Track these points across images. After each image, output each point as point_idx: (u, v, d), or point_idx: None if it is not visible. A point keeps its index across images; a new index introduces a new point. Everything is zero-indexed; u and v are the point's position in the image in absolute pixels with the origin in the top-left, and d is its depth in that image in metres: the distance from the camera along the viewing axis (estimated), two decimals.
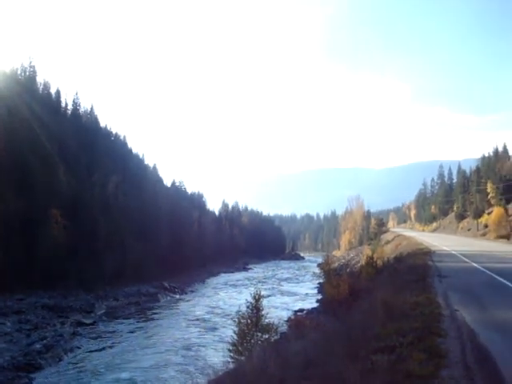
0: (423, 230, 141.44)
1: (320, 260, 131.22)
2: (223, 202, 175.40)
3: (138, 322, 44.13)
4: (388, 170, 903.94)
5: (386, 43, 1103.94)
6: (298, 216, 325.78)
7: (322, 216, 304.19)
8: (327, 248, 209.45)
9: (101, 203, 64.78)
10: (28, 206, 51.67)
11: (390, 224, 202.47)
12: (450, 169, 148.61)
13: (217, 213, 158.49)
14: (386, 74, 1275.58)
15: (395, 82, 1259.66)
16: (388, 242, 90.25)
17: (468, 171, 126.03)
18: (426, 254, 43.00)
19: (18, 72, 64.01)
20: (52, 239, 53.32)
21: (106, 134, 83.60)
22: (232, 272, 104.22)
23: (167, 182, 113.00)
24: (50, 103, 67.41)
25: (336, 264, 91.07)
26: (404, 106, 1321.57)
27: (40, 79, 68.30)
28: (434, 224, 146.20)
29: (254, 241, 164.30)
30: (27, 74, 65.11)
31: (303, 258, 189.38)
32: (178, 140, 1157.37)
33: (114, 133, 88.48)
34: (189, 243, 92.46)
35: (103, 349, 33.64)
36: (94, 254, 59.05)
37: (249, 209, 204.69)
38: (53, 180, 56.56)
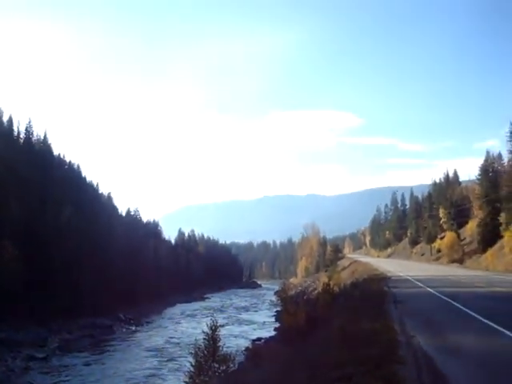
0: (378, 256, 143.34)
1: (277, 288, 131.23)
2: (179, 230, 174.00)
3: (92, 354, 43.09)
4: (342, 196, 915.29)
5: (334, 80, 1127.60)
6: (255, 244, 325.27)
7: (278, 243, 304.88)
8: (284, 275, 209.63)
9: (54, 233, 63.25)
10: None
11: (346, 250, 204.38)
12: (402, 195, 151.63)
13: (173, 241, 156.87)
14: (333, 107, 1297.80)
15: (345, 113, 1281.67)
16: (344, 268, 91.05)
17: (420, 197, 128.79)
18: (382, 279, 43.50)
19: None
20: (3, 270, 51.69)
21: (59, 163, 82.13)
22: (189, 302, 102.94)
23: (122, 211, 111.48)
24: (1, 131, 66.06)
25: (293, 291, 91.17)
26: (356, 137, 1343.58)
27: None
28: (389, 249, 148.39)
29: (211, 270, 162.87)
30: None
31: (260, 285, 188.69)
32: (132, 168, 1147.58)
33: (67, 161, 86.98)
34: (145, 273, 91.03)
35: (56, 383, 32.67)
36: (46, 285, 57.52)
37: (205, 237, 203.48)
38: (3, 209, 55.07)
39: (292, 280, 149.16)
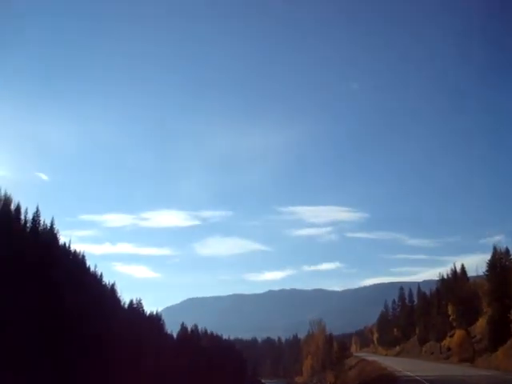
0: (386, 355, 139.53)
1: None
2: (182, 324, 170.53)
3: None
4: (349, 291, 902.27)
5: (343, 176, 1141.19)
6: (259, 340, 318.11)
7: (283, 339, 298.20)
8: (289, 373, 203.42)
9: (57, 324, 62.22)
10: None
11: (353, 348, 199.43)
12: (410, 291, 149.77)
13: (175, 335, 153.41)
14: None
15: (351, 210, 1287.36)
16: (351, 367, 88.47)
17: (428, 293, 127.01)
18: (391, 380, 42.02)
19: None
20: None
21: (64, 252, 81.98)
22: None
23: (125, 302, 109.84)
24: (9, 218, 66.32)
25: None
26: (360, 233, 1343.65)
27: (0, 194, 67.30)
28: (397, 347, 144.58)
29: (215, 366, 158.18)
30: None
31: None
32: (135, 258, 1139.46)
33: (72, 251, 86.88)
34: (147, 369, 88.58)
35: None
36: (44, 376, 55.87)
37: (208, 332, 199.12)
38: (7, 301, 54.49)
39: (297, 379, 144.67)
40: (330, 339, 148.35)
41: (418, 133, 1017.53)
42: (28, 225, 73.10)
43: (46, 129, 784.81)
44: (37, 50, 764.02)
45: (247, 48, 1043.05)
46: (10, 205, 69.51)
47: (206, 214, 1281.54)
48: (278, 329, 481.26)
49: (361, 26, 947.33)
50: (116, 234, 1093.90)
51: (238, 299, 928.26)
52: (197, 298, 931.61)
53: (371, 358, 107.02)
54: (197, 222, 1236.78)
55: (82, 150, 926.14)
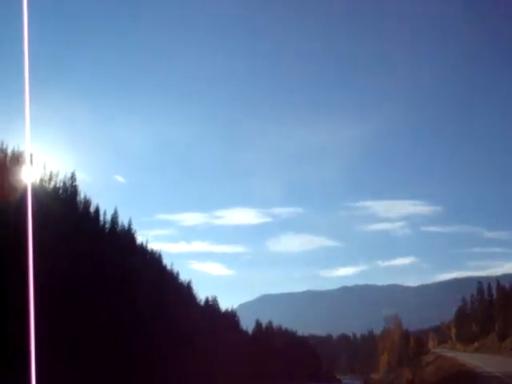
0: (464, 351, 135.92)
1: (358, 383, 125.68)
2: (257, 321, 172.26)
3: None
4: (425, 286, 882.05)
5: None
6: (334, 336, 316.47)
7: (358, 335, 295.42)
8: (365, 370, 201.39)
9: (136, 320, 64.65)
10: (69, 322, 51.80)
11: (430, 344, 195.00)
12: (488, 285, 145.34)
13: (250, 332, 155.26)
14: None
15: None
16: (429, 364, 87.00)
17: (508, 286, 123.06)
18: (470, 376, 41.29)
19: (60, 191, 66.11)
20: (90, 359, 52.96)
21: (142, 251, 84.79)
22: None
23: (201, 300, 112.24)
24: (89, 220, 69.26)
25: None
26: (435, 227, 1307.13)
27: (81, 197, 70.26)
28: (476, 343, 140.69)
29: (289, 362, 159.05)
30: (68, 192, 67.21)
31: (340, 381, 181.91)
32: (209, 255, 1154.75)
33: (149, 250, 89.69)
34: (222, 365, 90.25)
35: None
36: (126, 371, 58.22)
37: (283, 328, 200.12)
38: (90, 300, 57.03)
39: (373, 375, 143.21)
40: (406, 335, 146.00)
41: (497, 124, 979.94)
42: (107, 226, 76.12)
43: (121, 132, 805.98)
44: (112, 54, 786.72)
45: (316, 42, 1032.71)
46: (89, 207, 72.62)
47: (278, 210, 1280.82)
48: (353, 325, 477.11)
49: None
50: (191, 233, 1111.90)
51: (312, 295, 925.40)
52: (271, 295, 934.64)
53: (449, 354, 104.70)
54: (268, 219, 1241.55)
55: (156, 152, 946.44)
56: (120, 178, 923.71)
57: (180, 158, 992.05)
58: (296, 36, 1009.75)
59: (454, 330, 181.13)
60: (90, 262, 59.24)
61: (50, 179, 64.71)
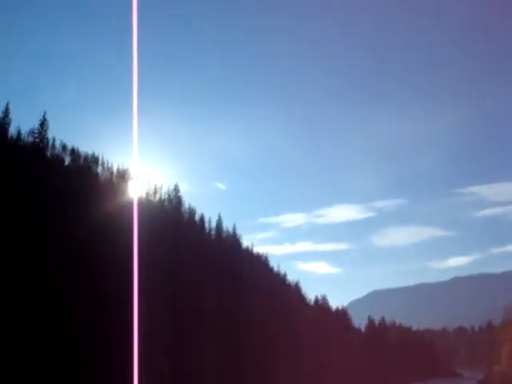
0: None
1: (480, 376, 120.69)
2: (369, 318, 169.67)
3: None
4: None
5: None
6: (451, 329, 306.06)
7: (476, 327, 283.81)
8: (486, 362, 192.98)
9: (247, 324, 65.73)
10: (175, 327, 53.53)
11: None
12: None
13: (363, 329, 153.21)
14: None
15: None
16: None
17: None
18: None
19: (165, 203, 68.38)
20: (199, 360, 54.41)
21: (247, 254, 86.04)
22: None
23: (311, 299, 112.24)
24: (195, 229, 71.19)
25: (499, 380, 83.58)
26: None
27: (185, 207, 72.38)
28: None
29: (405, 358, 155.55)
30: (173, 204, 69.36)
31: (460, 374, 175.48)
32: (314, 255, 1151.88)
33: (255, 252, 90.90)
34: (336, 365, 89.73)
35: None
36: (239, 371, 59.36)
37: (396, 324, 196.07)
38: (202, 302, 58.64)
39: (496, 368, 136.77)
40: None
41: None
42: (212, 233, 77.88)
43: (219, 140, 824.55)
44: (206, 65, 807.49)
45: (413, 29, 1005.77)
46: (194, 216, 74.68)
47: (380, 204, 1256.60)
48: (470, 316, 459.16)
49: None
50: (294, 234, 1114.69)
51: (424, 288, 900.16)
52: (381, 290, 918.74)
53: None
54: (371, 214, 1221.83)
55: (253, 157, 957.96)
56: (221, 185, 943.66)
57: (277, 160, 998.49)
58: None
59: None
60: (198, 268, 60.82)
61: (155, 192, 67.21)
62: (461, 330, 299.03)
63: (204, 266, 63.17)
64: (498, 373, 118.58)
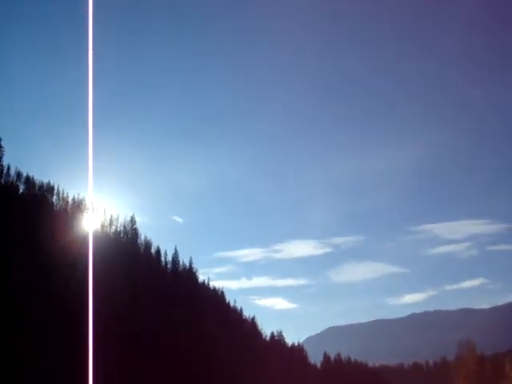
0: None
1: None
2: (324, 354, 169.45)
3: None
4: (497, 308, 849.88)
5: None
6: (406, 365, 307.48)
7: (431, 363, 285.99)
8: None
9: (202, 359, 64.85)
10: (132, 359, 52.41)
11: (508, 368, 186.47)
12: None
13: (318, 365, 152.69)
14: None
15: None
16: None
17: None
18: None
19: (121, 235, 67.69)
20: None
21: (204, 289, 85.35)
22: None
23: (266, 334, 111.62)
24: (151, 261, 70.51)
25: None
26: (500, 245, 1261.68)
27: (141, 239, 71.73)
28: None
29: None
30: (129, 235, 68.72)
31: None
32: (271, 290, 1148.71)
33: (211, 287, 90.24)
34: None
35: None
36: None
37: (352, 360, 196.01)
38: (154, 339, 57.63)
39: None
40: (481, 360, 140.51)
41: None
42: (169, 266, 77.22)
43: (177, 174, 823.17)
44: (168, 98, 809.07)
45: (368, 59, 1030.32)
46: (150, 248, 74.01)
47: (338, 240, 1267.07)
48: (425, 352, 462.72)
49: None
50: (251, 268, 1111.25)
51: (381, 324, 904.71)
52: (338, 327, 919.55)
53: None
54: (329, 250, 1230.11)
55: (210, 191, 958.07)
56: (178, 218, 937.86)
57: (235, 194, 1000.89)
58: (350, 60, 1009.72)
59: None
60: (153, 301, 60.01)
61: (111, 224, 66.45)
62: (416, 365, 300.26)
63: (160, 300, 62.36)
64: None
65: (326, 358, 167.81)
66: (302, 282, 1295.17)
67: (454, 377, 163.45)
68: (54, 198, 58.70)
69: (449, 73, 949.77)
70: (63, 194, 59.72)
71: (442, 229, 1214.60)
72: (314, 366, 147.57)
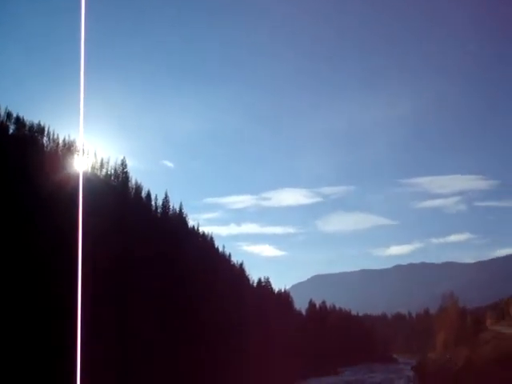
0: None
1: (414, 362, 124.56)
2: (310, 301, 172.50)
3: None
4: (482, 263, 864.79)
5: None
6: (389, 315, 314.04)
7: (414, 314, 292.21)
8: (421, 349, 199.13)
9: (190, 304, 65.67)
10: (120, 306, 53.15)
11: (488, 322, 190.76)
12: None
13: (304, 312, 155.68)
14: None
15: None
16: (487, 343, 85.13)
17: None
18: None
19: (112, 178, 67.23)
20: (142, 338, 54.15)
21: (193, 234, 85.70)
22: (321, 376, 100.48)
23: (254, 281, 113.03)
24: (141, 207, 70.34)
25: (431, 367, 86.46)
26: (490, 201, 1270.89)
27: (132, 183, 71.33)
28: None
29: (344, 342, 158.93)
30: (120, 179, 68.27)
31: (396, 360, 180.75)
32: (259, 237, 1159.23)
33: (201, 232, 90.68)
34: (276, 346, 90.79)
35: None
36: (180, 352, 59.48)
37: (336, 308, 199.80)
38: (143, 281, 58.17)
39: (430, 354, 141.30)
40: (463, 313, 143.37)
41: None
42: (159, 210, 77.23)
43: (170, 118, 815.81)
44: (163, 42, 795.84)
45: (368, 15, 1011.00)
46: (140, 193, 73.82)
47: (327, 190, 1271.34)
48: (408, 304, 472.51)
49: None
50: (240, 215, 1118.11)
51: (366, 275, 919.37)
52: (324, 275, 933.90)
53: (508, 331, 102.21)
54: (318, 199, 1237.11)
55: (203, 137, 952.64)
56: (169, 163, 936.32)
57: (227, 141, 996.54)
58: (346, 17, 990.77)
59: None
60: (143, 246, 60.27)
61: (102, 166, 65.92)
62: (399, 316, 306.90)
63: (149, 244, 62.62)
64: (431, 359, 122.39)
65: (311, 305, 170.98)
66: (290, 230, 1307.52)
67: (435, 328, 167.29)
68: (45, 139, 57.96)
69: (449, 22, 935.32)
70: (54, 135, 58.98)
71: (432, 183, 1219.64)
72: (300, 313, 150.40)
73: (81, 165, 54.09)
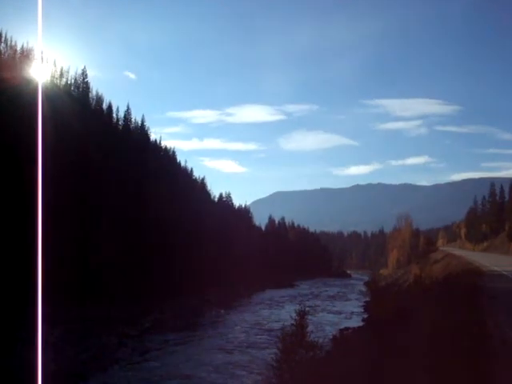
0: (473, 250, 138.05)
1: (367, 278, 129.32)
2: (269, 217, 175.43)
3: (183, 335, 44.38)
4: (437, 186, 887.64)
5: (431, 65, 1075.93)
6: (345, 233, 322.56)
7: (369, 233, 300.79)
8: (374, 266, 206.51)
9: (150, 218, 65.89)
10: (81, 219, 52.95)
11: (440, 243, 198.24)
12: (501, 187, 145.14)
13: (263, 228, 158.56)
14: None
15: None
16: (437, 261, 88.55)
17: None
18: (476, 274, 42.02)
19: (72, 88, 65.41)
20: (103, 253, 54.36)
21: (155, 148, 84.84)
22: (278, 288, 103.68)
23: (215, 196, 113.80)
24: (101, 118, 68.89)
25: (383, 282, 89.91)
26: (450, 126, 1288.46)
27: (93, 94, 69.53)
28: (485, 243, 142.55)
29: (300, 258, 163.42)
30: (80, 89, 66.55)
31: (350, 275, 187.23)
32: (222, 153, 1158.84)
33: (163, 147, 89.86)
34: (235, 258, 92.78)
35: (148, 360, 34.04)
36: (141, 266, 60.12)
37: (295, 225, 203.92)
38: (103, 195, 57.83)
39: (382, 271, 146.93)
40: (416, 233, 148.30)
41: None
42: (120, 123, 75.86)
43: (133, 28, 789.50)
44: None
45: None
46: (101, 104, 72.10)
47: (291, 108, 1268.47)
48: (365, 223, 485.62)
49: None
50: (203, 130, 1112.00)
51: (325, 193, 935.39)
52: (284, 192, 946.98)
53: (457, 252, 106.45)
54: (281, 117, 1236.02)
55: (166, 48, 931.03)
56: (131, 75, 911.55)
57: (191, 54, 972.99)
58: None
59: (463, 230, 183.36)
60: (103, 158, 59.55)
61: (61, 76, 63.82)
62: (355, 234, 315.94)
63: (110, 157, 61.84)
64: (383, 275, 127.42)
65: (271, 221, 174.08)
66: (252, 146, 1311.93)
67: (389, 247, 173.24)
68: (2, 45, 55.38)
69: None
70: (11, 41, 56.38)
71: (394, 105, 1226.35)
72: (259, 228, 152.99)
73: (40, 73, 52.07)
